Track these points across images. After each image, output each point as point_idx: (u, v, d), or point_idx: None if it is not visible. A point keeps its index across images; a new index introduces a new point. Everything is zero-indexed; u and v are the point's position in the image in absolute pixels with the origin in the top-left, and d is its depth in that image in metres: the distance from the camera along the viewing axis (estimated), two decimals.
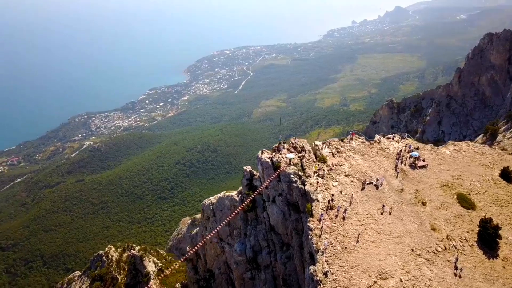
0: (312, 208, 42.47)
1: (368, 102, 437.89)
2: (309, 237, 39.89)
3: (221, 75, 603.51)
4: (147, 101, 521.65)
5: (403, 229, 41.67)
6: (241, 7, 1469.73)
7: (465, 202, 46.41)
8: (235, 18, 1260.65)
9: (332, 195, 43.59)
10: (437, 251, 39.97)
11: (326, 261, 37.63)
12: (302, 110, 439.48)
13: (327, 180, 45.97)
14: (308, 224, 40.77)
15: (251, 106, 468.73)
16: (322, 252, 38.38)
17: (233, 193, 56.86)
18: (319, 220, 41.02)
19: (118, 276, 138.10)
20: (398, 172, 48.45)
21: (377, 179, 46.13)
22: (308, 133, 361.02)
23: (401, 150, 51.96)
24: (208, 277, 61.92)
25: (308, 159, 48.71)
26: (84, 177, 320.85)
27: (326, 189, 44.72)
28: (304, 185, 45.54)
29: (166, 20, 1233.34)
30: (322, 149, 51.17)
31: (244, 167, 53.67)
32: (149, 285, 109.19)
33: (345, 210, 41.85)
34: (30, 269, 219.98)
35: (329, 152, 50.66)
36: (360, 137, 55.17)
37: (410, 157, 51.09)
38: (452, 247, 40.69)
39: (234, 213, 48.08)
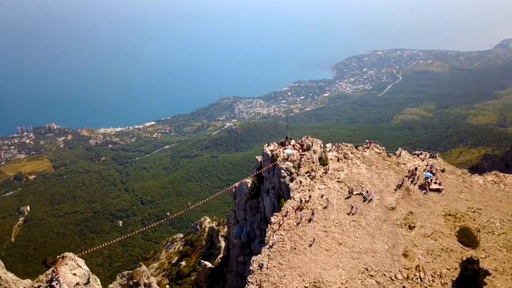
0: (285, 204, 42.99)
1: None
2: (267, 229, 40.82)
3: (368, 75, 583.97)
4: (289, 93, 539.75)
5: (369, 246, 39.17)
6: (401, 7, 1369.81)
7: (466, 238, 40.62)
8: (394, 18, 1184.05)
9: (310, 196, 43.20)
10: (395, 277, 36.67)
11: (268, 255, 38.29)
12: (448, 124, 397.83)
13: (315, 182, 45.44)
14: (271, 217, 41.62)
15: (393, 111, 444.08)
16: (270, 246, 39.04)
17: (250, 180, 59.47)
18: (284, 216, 41.44)
19: (204, 244, 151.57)
20: (399, 189, 44.72)
21: (367, 191, 43.68)
22: (449, 149, 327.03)
23: (416, 168, 47.34)
24: (227, 255, 66.06)
25: (308, 159, 48.45)
26: (219, 154, 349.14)
27: (309, 190, 44.40)
28: (291, 182, 45.90)
29: (322, 16, 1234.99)
30: (328, 151, 50.09)
31: (256, 157, 55.74)
32: (217, 258, 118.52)
33: (313, 213, 41.23)
34: (159, 225, 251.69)
35: (335, 156, 49.33)
36: (379, 147, 51.77)
37: (425, 178, 46.28)
38: (416, 278, 36.75)
39: (214, 196, 50.97)
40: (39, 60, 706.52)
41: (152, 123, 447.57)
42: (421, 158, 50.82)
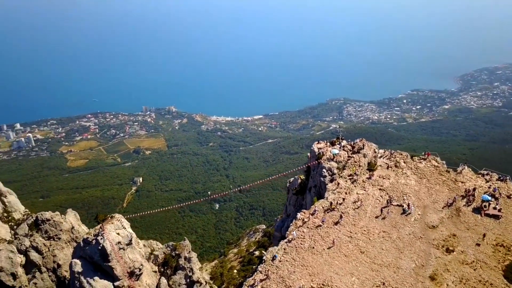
0: (316, 203, 42.18)
1: None
2: (290, 224, 40.61)
3: (499, 91, 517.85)
4: (404, 101, 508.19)
5: (393, 261, 36.42)
6: None
7: None
8: None
9: (343, 199, 41.62)
10: None
11: (284, 249, 38.09)
12: None
13: (355, 186, 43.53)
14: (298, 213, 41.25)
15: None
16: (288, 240, 38.75)
17: (303, 177, 58.69)
18: (311, 215, 40.71)
19: None
20: (447, 207, 40.47)
21: (408, 204, 40.43)
22: None
23: (474, 189, 42.04)
24: None
25: (355, 161, 46.35)
26: None
27: (346, 193, 42.74)
28: (331, 182, 44.67)
29: (449, 22, 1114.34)
30: (380, 157, 47.20)
31: (308, 154, 54.82)
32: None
33: (341, 216, 39.72)
34: (252, 214, 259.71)
35: (385, 163, 46.34)
36: (438, 160, 46.92)
37: (483, 201, 40.96)
38: None
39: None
40: (171, 51, 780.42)
41: (260, 116, 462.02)
42: (485, 179, 44.91)
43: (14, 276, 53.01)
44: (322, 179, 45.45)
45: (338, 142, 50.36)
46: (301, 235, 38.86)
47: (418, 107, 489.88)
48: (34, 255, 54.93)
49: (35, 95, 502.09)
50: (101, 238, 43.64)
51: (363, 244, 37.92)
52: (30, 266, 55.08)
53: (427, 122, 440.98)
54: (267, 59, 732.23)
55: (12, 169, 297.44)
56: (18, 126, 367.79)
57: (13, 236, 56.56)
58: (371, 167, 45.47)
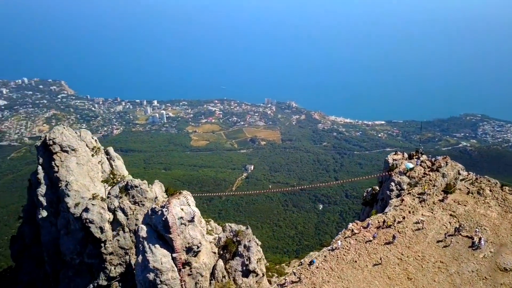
0: (372, 216, 39.37)
1: None
2: (339, 233, 38.64)
3: None
4: None
5: None
6: None
7: None
8: None
9: (404, 218, 37.99)
10: None
11: (324, 256, 36.37)
12: None
13: (422, 206, 39.33)
14: (350, 223, 39.02)
15: None
16: (331, 248, 36.89)
17: (377, 188, 54.59)
18: (364, 228, 38.09)
19: None
20: None
21: (480, 238, 35.05)
22: None
23: None
24: None
25: (430, 180, 41.65)
26: None
27: (409, 212, 38.92)
28: (397, 197, 41.14)
29: None
30: (461, 180, 41.51)
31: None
32: None
33: (394, 236, 36.30)
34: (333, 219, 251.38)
35: (466, 187, 40.64)
36: None
37: None
38: None
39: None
40: (301, 48, 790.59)
41: (382, 122, 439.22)
42: None
43: (101, 230, 60.51)
44: (388, 192, 42.03)
45: (416, 156, 45.79)
46: (347, 246, 36.62)
47: None
48: (120, 215, 61.81)
49: (174, 77, 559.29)
50: (166, 210, 46.97)
51: (413, 270, 34.09)
52: (116, 224, 62.20)
53: None
54: (399, 63, 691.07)
55: (145, 140, 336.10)
56: (155, 102, 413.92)
57: (107, 196, 64.48)
58: (448, 189, 40.37)
